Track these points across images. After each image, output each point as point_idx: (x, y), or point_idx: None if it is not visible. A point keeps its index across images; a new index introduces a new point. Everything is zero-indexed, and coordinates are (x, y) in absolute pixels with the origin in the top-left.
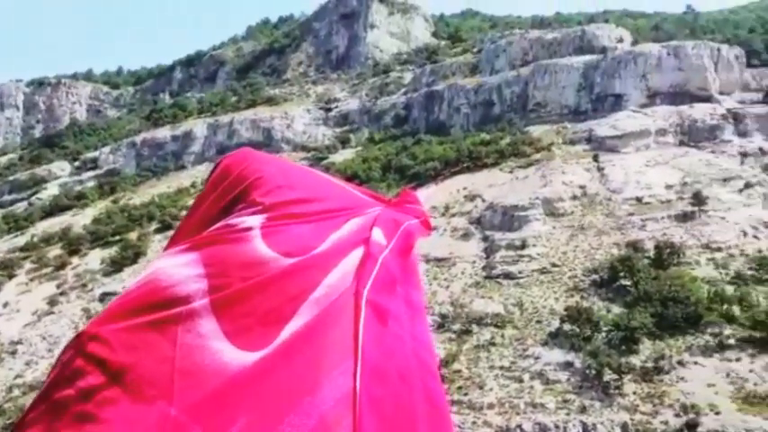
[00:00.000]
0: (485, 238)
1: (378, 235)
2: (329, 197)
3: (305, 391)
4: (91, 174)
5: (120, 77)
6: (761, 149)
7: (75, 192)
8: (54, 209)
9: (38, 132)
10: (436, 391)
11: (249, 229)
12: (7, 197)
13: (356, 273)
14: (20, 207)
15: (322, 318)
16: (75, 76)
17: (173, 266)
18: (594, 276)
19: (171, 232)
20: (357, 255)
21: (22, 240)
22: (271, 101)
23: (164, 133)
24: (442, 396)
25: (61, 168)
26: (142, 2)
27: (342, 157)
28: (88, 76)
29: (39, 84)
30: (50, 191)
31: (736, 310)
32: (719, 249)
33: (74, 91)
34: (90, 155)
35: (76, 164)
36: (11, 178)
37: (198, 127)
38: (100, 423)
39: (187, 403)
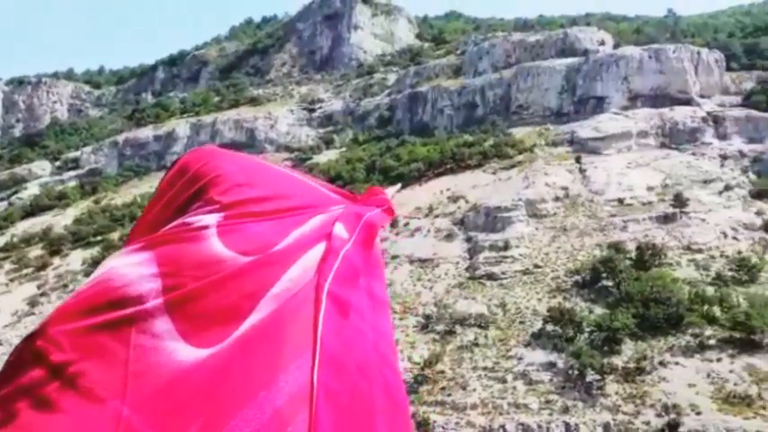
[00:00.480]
0: (468, 239)
1: (339, 229)
2: (294, 195)
3: (260, 386)
4: (72, 173)
5: (101, 77)
6: (740, 152)
7: (56, 192)
8: (35, 209)
9: (18, 132)
10: (395, 385)
11: (205, 227)
12: None
13: (317, 267)
14: (0, 207)
15: (281, 312)
16: (56, 75)
17: (125, 266)
18: (577, 277)
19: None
20: (319, 250)
21: (1, 241)
22: (254, 101)
23: (146, 133)
24: (401, 390)
25: (42, 168)
26: (125, 1)
27: (326, 157)
28: (69, 76)
29: (18, 82)
30: (31, 191)
31: (716, 310)
32: (700, 251)
33: (54, 90)
34: (71, 154)
35: (57, 164)
36: None
37: (180, 127)
38: (47, 421)
39: (141, 403)
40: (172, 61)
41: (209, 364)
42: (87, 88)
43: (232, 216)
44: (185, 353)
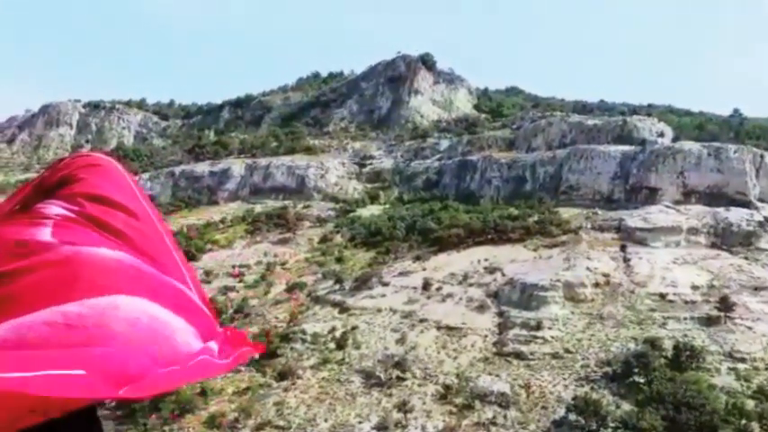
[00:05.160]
0: (500, 314)
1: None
2: (151, 252)
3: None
4: None
5: (170, 109)
6: None
7: None
8: None
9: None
10: None
11: (47, 217)
12: None
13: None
14: None
15: (74, 321)
16: (128, 103)
17: None
18: (607, 368)
19: (192, 263)
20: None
21: None
22: (309, 150)
23: (203, 168)
24: None
25: None
26: (201, 41)
27: (369, 212)
28: (140, 105)
29: (94, 106)
30: None
31: (755, 426)
32: (743, 360)
33: (125, 117)
34: None
35: None
36: None
37: (236, 166)
38: None
39: None
40: (238, 103)
41: None
42: (155, 119)
43: (81, 222)
44: None
